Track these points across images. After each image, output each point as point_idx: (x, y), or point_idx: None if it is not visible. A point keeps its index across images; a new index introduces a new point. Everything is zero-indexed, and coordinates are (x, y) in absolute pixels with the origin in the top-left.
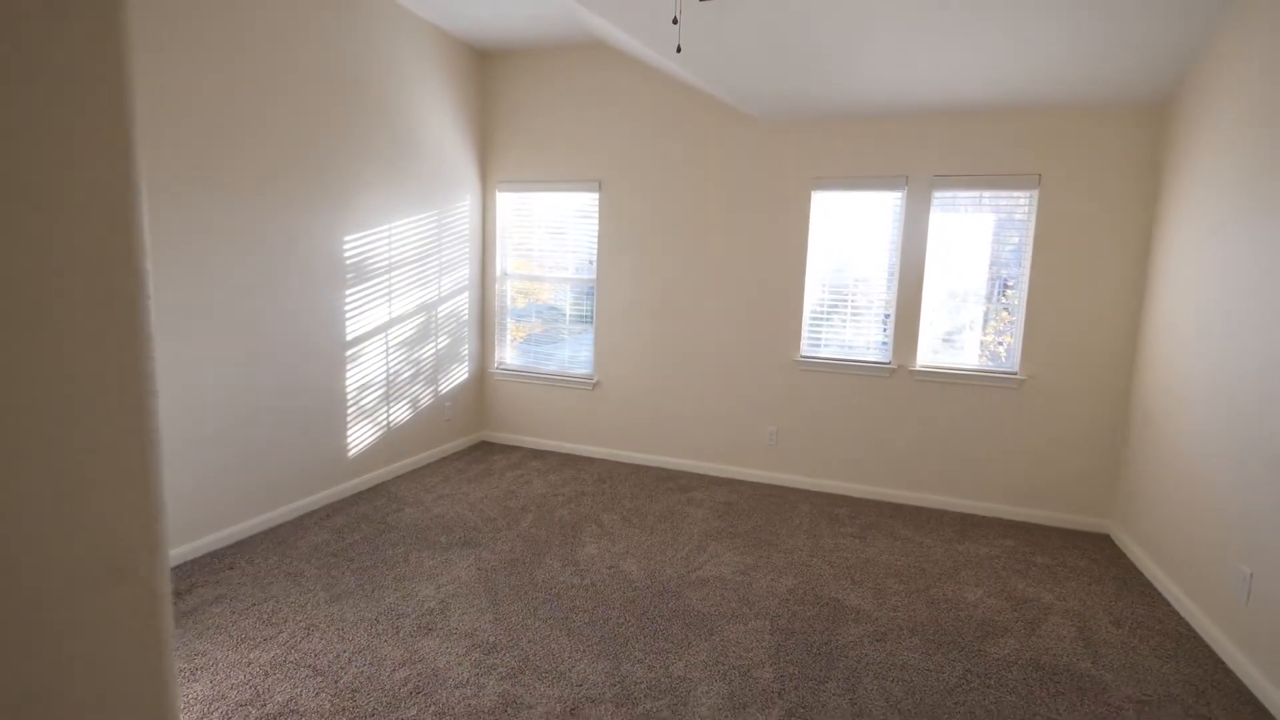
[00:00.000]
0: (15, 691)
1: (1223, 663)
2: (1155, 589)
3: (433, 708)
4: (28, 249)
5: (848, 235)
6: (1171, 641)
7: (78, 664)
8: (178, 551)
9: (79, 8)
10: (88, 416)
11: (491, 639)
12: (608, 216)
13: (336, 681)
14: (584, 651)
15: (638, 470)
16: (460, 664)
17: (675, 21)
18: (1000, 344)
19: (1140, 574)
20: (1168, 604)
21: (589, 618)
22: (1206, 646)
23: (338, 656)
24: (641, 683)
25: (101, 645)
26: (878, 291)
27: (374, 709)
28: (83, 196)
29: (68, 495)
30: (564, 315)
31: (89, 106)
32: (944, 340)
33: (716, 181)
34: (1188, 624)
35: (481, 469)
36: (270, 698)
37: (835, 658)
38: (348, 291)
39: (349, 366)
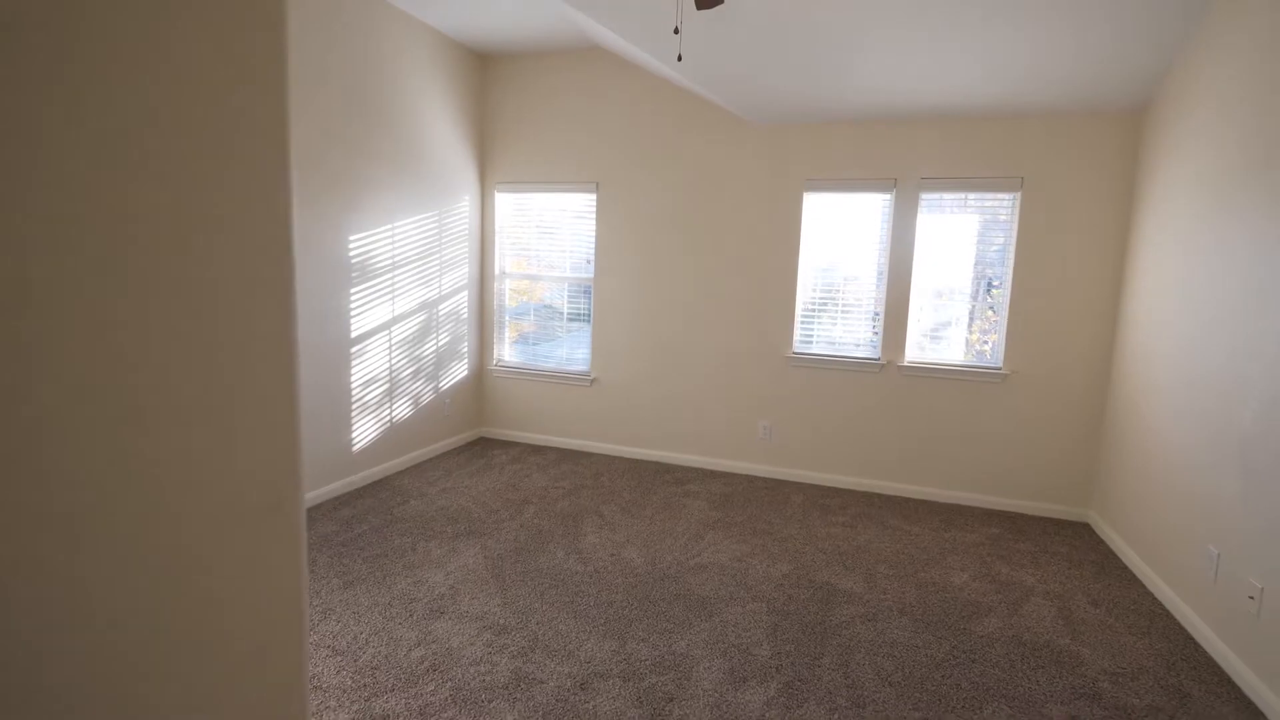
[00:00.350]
0: (204, 588)
1: (1193, 638)
2: (1131, 572)
3: (450, 683)
4: (216, 254)
5: (838, 235)
6: (1145, 620)
7: (247, 571)
8: None
9: (251, 28)
10: (254, 387)
11: (501, 621)
12: (605, 217)
13: (356, 660)
14: (590, 632)
15: (635, 464)
16: (473, 644)
17: (676, 31)
18: (986, 343)
19: (1118, 558)
20: (1143, 586)
21: (594, 601)
22: (1178, 624)
23: (355, 638)
24: (647, 660)
25: (262, 560)
26: (867, 290)
27: (394, 685)
28: (258, 209)
29: (240, 447)
30: (561, 313)
31: (260, 121)
32: (931, 336)
33: (711, 182)
34: (1161, 604)
35: (482, 463)
36: None
37: (829, 636)
38: (352, 290)
39: (354, 363)
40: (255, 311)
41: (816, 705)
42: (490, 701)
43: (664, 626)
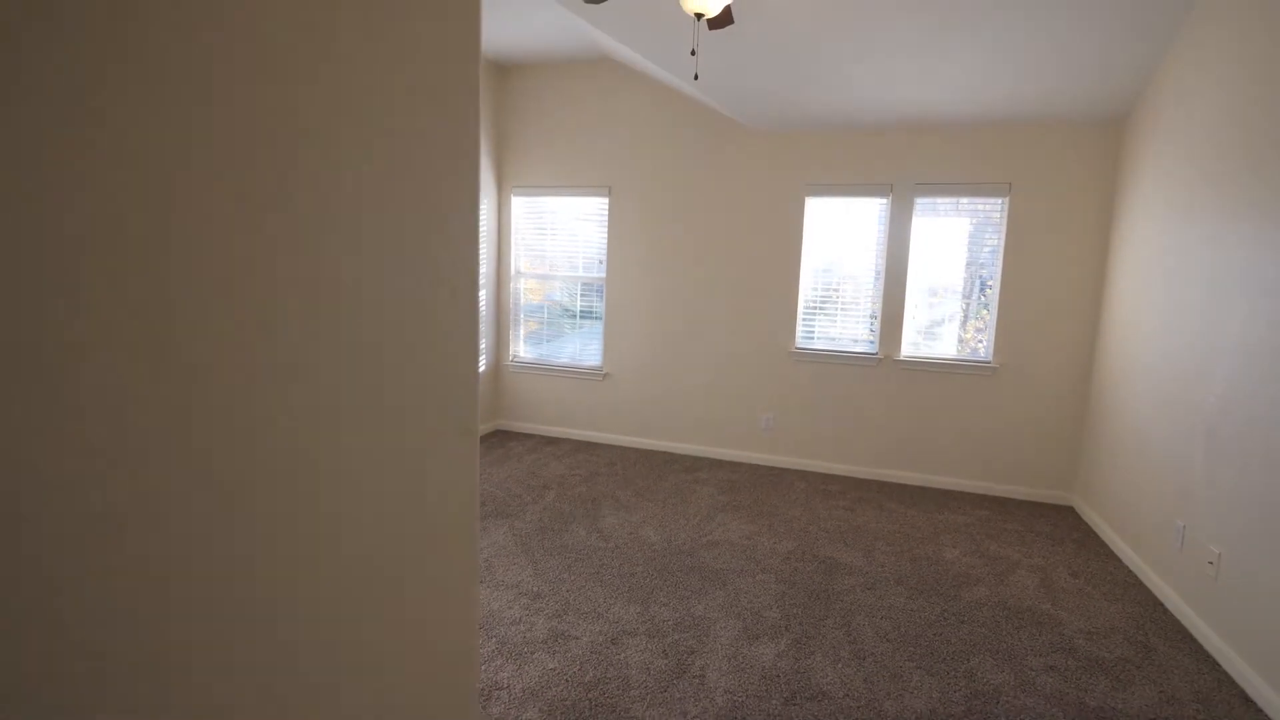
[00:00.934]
0: (416, 487)
1: (1161, 603)
2: (1109, 549)
3: (494, 639)
4: (426, 255)
5: (838, 237)
6: (1120, 589)
7: (451, 477)
8: None
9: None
10: (455, 351)
11: (535, 589)
12: (617, 219)
13: None
14: (616, 598)
15: (645, 454)
16: (511, 607)
17: (693, 53)
18: (980, 341)
19: (1098, 537)
20: (1119, 560)
21: (617, 572)
22: (1149, 592)
23: None
24: (669, 620)
25: (457, 470)
26: (865, 288)
27: None
28: (459, 220)
29: (450, 395)
30: (574, 311)
31: (461, 143)
32: (925, 332)
33: (717, 186)
34: (1134, 575)
35: (501, 453)
36: None
37: (831, 602)
38: None
39: None
40: (459, 289)
41: (822, 657)
42: (532, 654)
43: (682, 594)
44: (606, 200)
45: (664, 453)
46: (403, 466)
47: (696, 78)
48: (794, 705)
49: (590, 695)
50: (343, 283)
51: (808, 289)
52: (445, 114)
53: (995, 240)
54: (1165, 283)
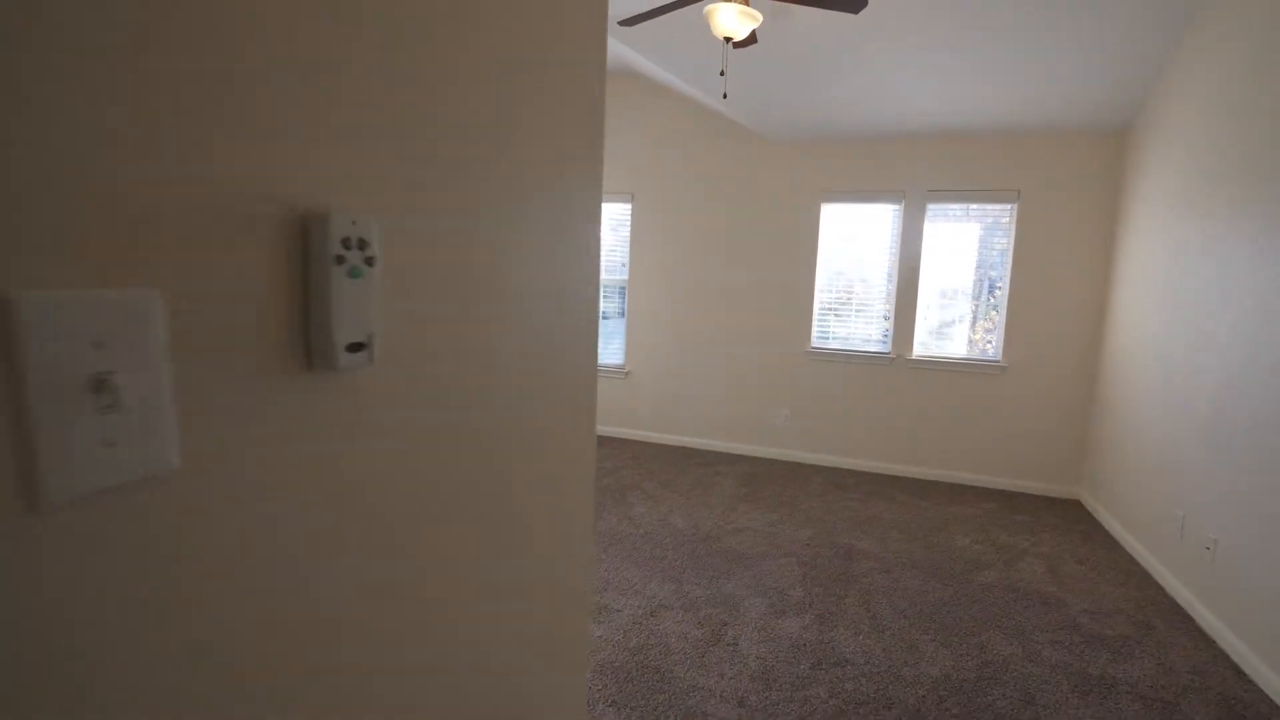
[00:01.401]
0: (557, 456)
1: (1162, 588)
2: (1114, 539)
3: None
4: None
5: (852, 241)
6: (1123, 575)
7: (582, 447)
8: None
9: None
10: (580, 340)
11: None
12: (639, 224)
13: None
14: (651, 577)
15: (667, 449)
16: None
17: (723, 74)
18: (989, 342)
19: (1103, 529)
20: (1123, 550)
21: (649, 555)
22: (1151, 578)
23: None
24: (701, 597)
25: (580, 434)
26: (878, 290)
27: None
28: (582, 229)
29: (570, 384)
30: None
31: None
32: (936, 333)
33: (736, 193)
34: (1138, 563)
35: None
36: None
37: (851, 583)
38: None
39: None
40: (585, 297)
41: (844, 630)
42: None
43: (711, 574)
44: (630, 206)
45: (684, 447)
46: (547, 439)
47: (725, 96)
48: (820, 669)
49: (636, 659)
50: (527, 286)
51: (823, 291)
52: (580, 131)
53: (1004, 243)
54: (1166, 284)
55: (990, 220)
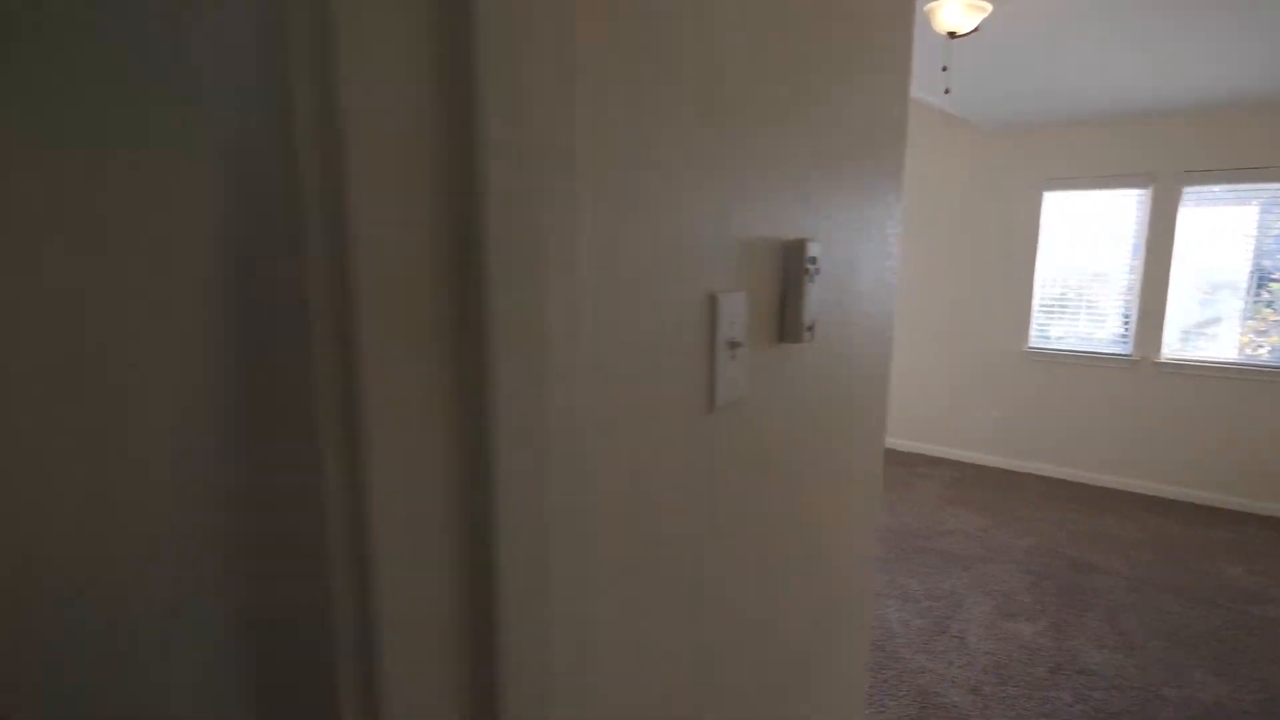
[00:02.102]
0: (845, 451)
1: None
2: None
3: None
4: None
5: (1082, 231)
6: None
7: (866, 451)
8: None
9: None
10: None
11: None
12: None
13: None
14: None
15: None
16: None
17: (945, 69)
18: (1261, 345)
19: None
20: None
21: None
22: None
23: None
24: (918, 591)
25: (869, 441)
26: (1116, 285)
27: None
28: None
29: (879, 360)
30: None
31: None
32: (1194, 333)
33: (944, 186)
34: None
35: None
36: None
37: (1090, 598)
38: None
39: None
40: (885, 299)
41: (1085, 641)
42: None
43: (925, 571)
44: None
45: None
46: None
47: (948, 91)
48: (1060, 674)
49: None
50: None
51: (1044, 286)
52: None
53: None
54: None
55: (1266, 199)
